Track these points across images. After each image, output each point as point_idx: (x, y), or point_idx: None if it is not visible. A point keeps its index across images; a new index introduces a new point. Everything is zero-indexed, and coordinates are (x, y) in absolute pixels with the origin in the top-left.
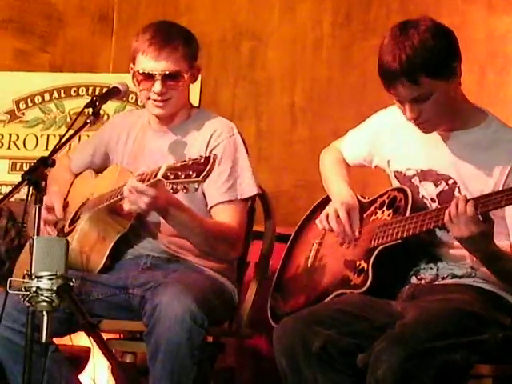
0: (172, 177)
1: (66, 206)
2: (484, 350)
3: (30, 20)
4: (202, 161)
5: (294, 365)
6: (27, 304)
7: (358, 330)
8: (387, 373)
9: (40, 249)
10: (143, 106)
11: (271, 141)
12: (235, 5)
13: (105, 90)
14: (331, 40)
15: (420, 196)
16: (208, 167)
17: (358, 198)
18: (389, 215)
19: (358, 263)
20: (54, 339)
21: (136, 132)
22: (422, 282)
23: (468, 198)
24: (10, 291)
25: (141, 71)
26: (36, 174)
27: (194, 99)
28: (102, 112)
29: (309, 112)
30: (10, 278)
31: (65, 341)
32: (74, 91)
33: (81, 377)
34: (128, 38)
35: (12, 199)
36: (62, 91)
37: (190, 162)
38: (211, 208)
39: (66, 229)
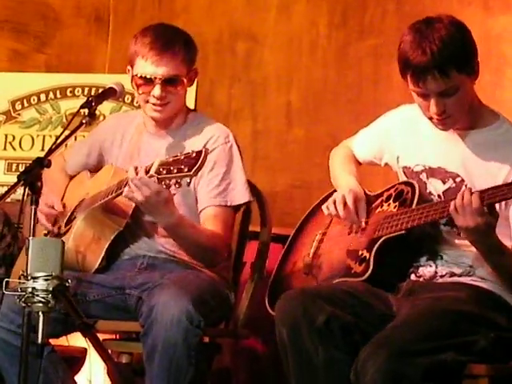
0: (165, 172)
1: (62, 206)
2: (477, 351)
3: (26, 20)
4: (194, 155)
5: (296, 337)
6: (23, 305)
7: (359, 313)
8: (375, 376)
9: (36, 249)
10: (139, 107)
11: (267, 141)
12: (231, 5)
13: (101, 90)
14: (327, 41)
15: (427, 192)
16: (200, 161)
17: (364, 191)
18: (395, 207)
19: (360, 252)
20: (50, 340)
21: (131, 134)
22: (421, 279)
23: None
24: (5, 292)
25: (140, 75)
26: (32, 175)
27: (190, 100)
28: (97, 112)
29: (304, 113)
30: (5, 279)
31: (61, 341)
32: (70, 92)
33: (77, 377)
34: (124, 38)
35: (8, 200)
36: (58, 92)
37: (182, 157)
38: (201, 211)
39: (62, 229)
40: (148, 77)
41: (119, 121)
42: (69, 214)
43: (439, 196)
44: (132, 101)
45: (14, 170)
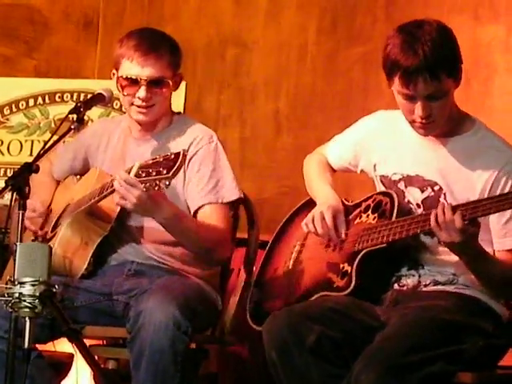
0: (144, 175)
1: (49, 212)
2: (465, 359)
3: (15, 26)
4: (172, 157)
5: (286, 358)
6: (10, 310)
7: (345, 328)
8: None
9: (23, 255)
10: None
11: (255, 148)
12: (220, 11)
13: (89, 96)
14: (316, 47)
15: (406, 201)
16: (178, 163)
17: (342, 202)
18: (374, 219)
19: (341, 266)
20: (37, 345)
21: (116, 138)
22: (404, 288)
23: (454, 204)
24: None
25: (125, 76)
26: (20, 180)
27: (179, 106)
28: (86, 118)
29: (293, 119)
30: None
31: (47, 347)
32: (59, 97)
33: (63, 383)
34: (113, 44)
35: None
36: (47, 97)
37: (161, 159)
38: (195, 213)
39: (49, 234)
40: (133, 78)
41: (105, 126)
42: (55, 219)
43: (418, 205)
44: (121, 107)
45: (1, 174)
